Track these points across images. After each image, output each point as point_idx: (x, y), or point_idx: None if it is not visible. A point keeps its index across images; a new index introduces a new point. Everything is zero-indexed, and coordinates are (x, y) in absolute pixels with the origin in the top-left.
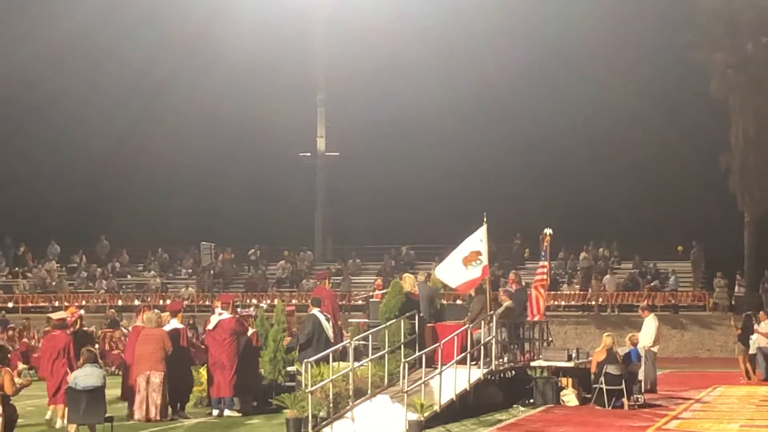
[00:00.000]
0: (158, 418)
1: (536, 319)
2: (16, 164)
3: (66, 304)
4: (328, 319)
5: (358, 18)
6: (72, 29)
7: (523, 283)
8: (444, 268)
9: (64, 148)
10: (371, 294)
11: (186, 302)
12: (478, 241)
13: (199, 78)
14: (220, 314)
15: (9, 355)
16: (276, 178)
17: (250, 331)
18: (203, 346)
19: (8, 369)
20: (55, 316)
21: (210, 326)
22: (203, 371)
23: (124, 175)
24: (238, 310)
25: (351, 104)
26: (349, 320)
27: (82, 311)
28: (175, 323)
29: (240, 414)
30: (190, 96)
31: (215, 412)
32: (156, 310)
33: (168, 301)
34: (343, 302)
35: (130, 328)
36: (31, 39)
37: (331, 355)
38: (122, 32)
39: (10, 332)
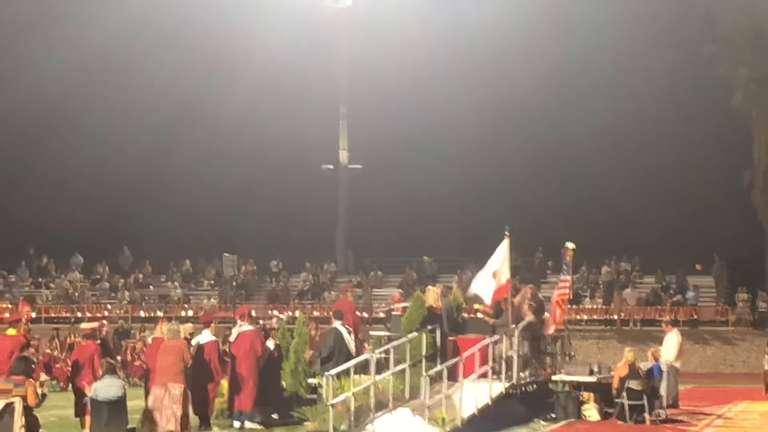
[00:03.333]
0: (178, 430)
1: (551, 330)
2: (40, 176)
3: (88, 314)
4: (349, 332)
5: (380, 31)
6: (97, 45)
7: (541, 297)
8: (477, 284)
9: (87, 161)
10: (392, 307)
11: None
12: (500, 256)
13: (223, 92)
14: (240, 326)
15: (33, 366)
16: (298, 191)
17: (272, 343)
18: (227, 359)
19: (32, 381)
20: (86, 326)
21: (231, 338)
22: (224, 383)
23: (146, 187)
24: (260, 321)
25: (374, 117)
26: (371, 333)
27: (105, 322)
28: (208, 335)
29: (261, 426)
30: (214, 110)
31: (236, 424)
32: (176, 321)
33: (190, 312)
34: (364, 315)
35: (150, 339)
36: (56, 56)
37: (352, 368)
38: (147, 48)
39: (35, 342)
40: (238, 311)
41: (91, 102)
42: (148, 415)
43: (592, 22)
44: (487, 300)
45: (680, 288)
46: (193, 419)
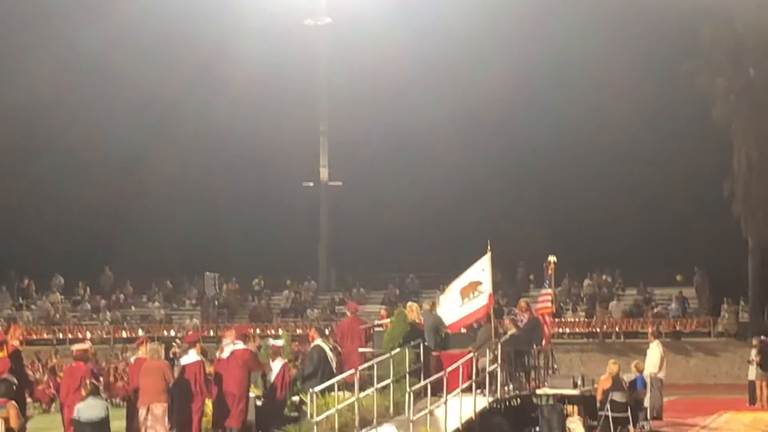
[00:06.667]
0: None
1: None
2: (20, 196)
3: (70, 336)
4: (332, 349)
5: (358, 48)
6: (75, 62)
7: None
8: (444, 304)
9: (65, 179)
10: (376, 323)
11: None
12: (479, 270)
13: (203, 108)
14: (234, 343)
15: (14, 388)
16: (279, 208)
17: (281, 362)
18: (210, 378)
19: (14, 403)
20: (77, 347)
21: (224, 355)
22: (209, 403)
23: (126, 207)
24: (270, 341)
25: (354, 133)
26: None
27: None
28: (193, 354)
29: None
30: (193, 127)
31: None
32: (156, 342)
33: (172, 332)
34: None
35: (133, 360)
36: (31, 73)
37: (336, 385)
38: (124, 66)
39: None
40: (238, 330)
41: (67, 120)
42: None
43: (567, 32)
44: (447, 323)
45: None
46: None
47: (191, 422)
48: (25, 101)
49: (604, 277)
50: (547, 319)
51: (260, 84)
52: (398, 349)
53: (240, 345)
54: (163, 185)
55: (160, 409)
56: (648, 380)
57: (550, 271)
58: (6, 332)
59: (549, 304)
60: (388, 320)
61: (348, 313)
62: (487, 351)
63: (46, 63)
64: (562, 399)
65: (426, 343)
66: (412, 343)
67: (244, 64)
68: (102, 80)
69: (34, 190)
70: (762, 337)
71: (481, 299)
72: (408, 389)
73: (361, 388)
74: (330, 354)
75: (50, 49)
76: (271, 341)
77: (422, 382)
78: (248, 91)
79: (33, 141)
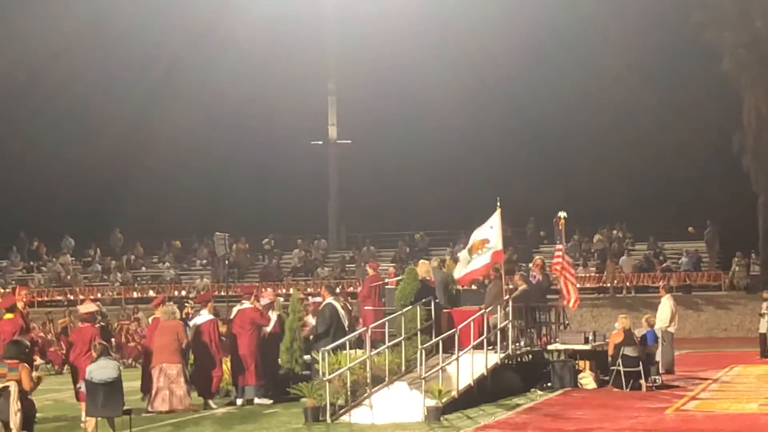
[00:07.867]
0: (176, 409)
1: (570, 304)
2: (28, 158)
3: (81, 297)
4: (343, 307)
5: (367, 5)
6: (79, 21)
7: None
8: (459, 261)
9: (74, 142)
10: (386, 282)
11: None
12: (488, 228)
13: (209, 66)
14: (242, 304)
15: (27, 350)
16: (288, 167)
17: (313, 320)
18: (223, 338)
19: (26, 365)
20: (84, 308)
21: (232, 316)
22: (227, 361)
23: (135, 168)
24: (309, 299)
25: (362, 92)
26: (365, 308)
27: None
28: (206, 314)
29: (271, 401)
30: (200, 85)
31: (239, 401)
32: (171, 302)
33: (183, 292)
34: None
35: (150, 320)
36: (35, 32)
37: (347, 343)
38: (133, 19)
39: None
40: (244, 289)
41: (74, 80)
42: (151, 396)
43: None
44: (456, 277)
45: (690, 253)
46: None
47: (210, 381)
48: (27, 62)
49: (614, 232)
50: (569, 276)
51: (268, 42)
52: (409, 307)
53: (246, 304)
54: (171, 144)
55: (174, 369)
56: (659, 334)
57: (560, 227)
58: (13, 294)
59: (561, 260)
60: (396, 279)
61: (371, 271)
62: (498, 307)
63: (47, 21)
64: (574, 354)
65: (437, 300)
66: (423, 300)
67: (251, 21)
68: (105, 37)
69: (42, 152)
70: None
71: (485, 257)
72: (420, 346)
73: (373, 346)
74: (341, 312)
75: (51, 5)
76: (311, 298)
77: (434, 339)
78: (256, 50)
79: (34, 100)
